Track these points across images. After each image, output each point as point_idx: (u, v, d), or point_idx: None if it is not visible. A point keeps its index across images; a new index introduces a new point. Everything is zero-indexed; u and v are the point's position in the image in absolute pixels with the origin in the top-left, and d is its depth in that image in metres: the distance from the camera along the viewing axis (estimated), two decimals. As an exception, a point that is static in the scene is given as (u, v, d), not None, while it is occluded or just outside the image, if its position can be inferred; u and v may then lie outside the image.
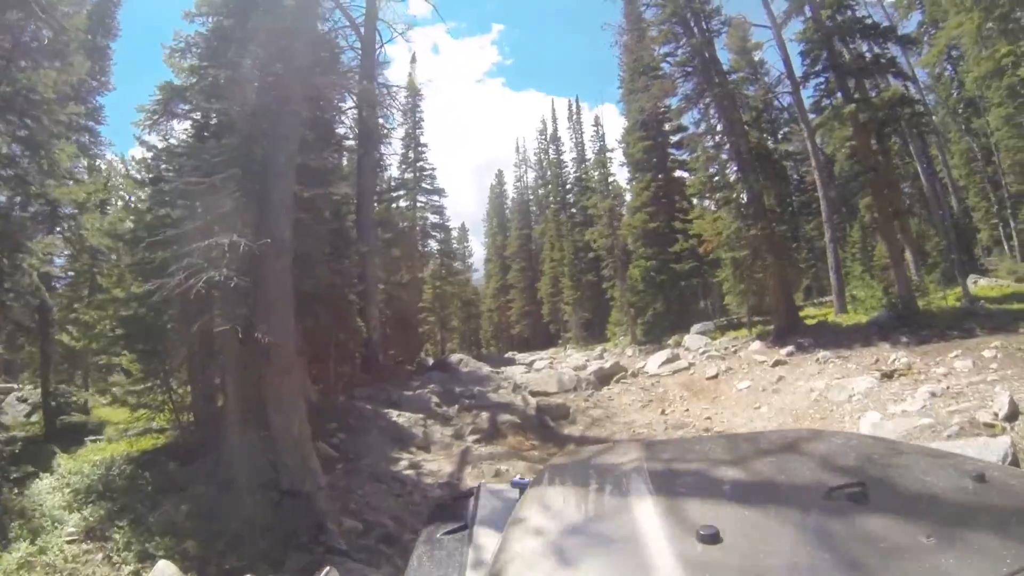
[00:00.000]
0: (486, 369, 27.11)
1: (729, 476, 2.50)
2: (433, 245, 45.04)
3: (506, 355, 47.59)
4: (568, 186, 61.28)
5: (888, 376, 16.16)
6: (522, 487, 3.17)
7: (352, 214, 25.32)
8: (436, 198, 44.49)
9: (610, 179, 53.34)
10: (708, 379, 21.53)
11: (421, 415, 17.25)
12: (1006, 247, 34.18)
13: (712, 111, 26.90)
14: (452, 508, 3.80)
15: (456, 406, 19.01)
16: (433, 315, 41.39)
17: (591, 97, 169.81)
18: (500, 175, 79.50)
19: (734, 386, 20.04)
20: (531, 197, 73.48)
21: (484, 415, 17.79)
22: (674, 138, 41.26)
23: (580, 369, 26.24)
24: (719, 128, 26.84)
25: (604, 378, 23.56)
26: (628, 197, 45.68)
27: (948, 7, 25.49)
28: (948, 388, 13.83)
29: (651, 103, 34.09)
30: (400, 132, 41.97)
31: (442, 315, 44.06)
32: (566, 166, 62.97)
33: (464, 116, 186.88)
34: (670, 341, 30.79)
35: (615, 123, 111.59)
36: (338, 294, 18.12)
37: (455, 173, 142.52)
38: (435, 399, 19.49)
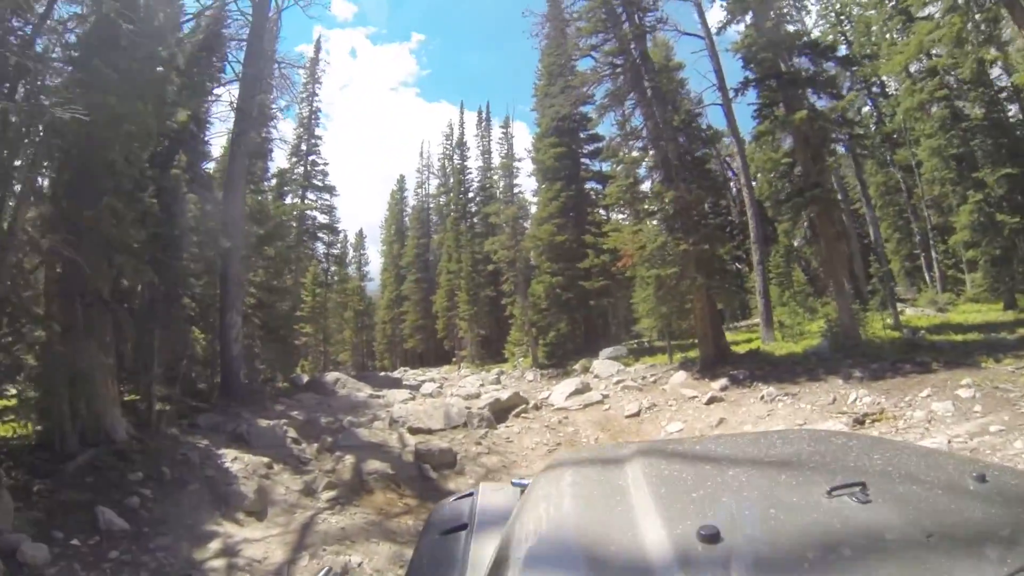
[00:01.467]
0: (364, 393, 23.98)
1: (729, 476, 2.45)
2: (319, 248, 40.54)
3: (395, 372, 45.01)
4: (471, 194, 57.91)
5: (859, 422, 13.84)
6: (522, 487, 3.18)
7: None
8: (327, 196, 41.03)
9: (516, 190, 50.34)
10: (628, 417, 18.24)
11: (267, 458, 13.26)
12: (927, 277, 33.77)
13: (639, 111, 24.11)
14: (452, 508, 3.67)
15: (317, 444, 15.21)
16: (313, 325, 36.52)
17: (501, 110, 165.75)
18: (402, 180, 76.61)
19: (662, 427, 16.82)
20: (431, 205, 70.57)
21: (348, 460, 13.85)
22: (588, 148, 39.62)
23: (472, 398, 22.26)
24: (645, 132, 23.98)
25: (501, 412, 19.39)
26: (534, 209, 42.82)
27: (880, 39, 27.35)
28: (950, 443, 11.21)
29: (570, 101, 31.15)
30: (291, 124, 38.13)
31: (323, 325, 39.15)
32: (470, 173, 59.74)
33: (375, 124, 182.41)
34: (576, 366, 28.29)
35: (525, 139, 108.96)
36: (168, 297, 14.08)
37: (359, 182, 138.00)
38: (293, 433, 15.74)
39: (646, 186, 25.35)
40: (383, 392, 24.91)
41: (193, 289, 16.01)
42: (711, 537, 1.74)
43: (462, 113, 63.56)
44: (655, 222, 23.51)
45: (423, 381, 32.77)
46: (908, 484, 2.19)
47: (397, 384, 30.49)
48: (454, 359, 50.56)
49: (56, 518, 9.08)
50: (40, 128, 10.75)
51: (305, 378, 27.40)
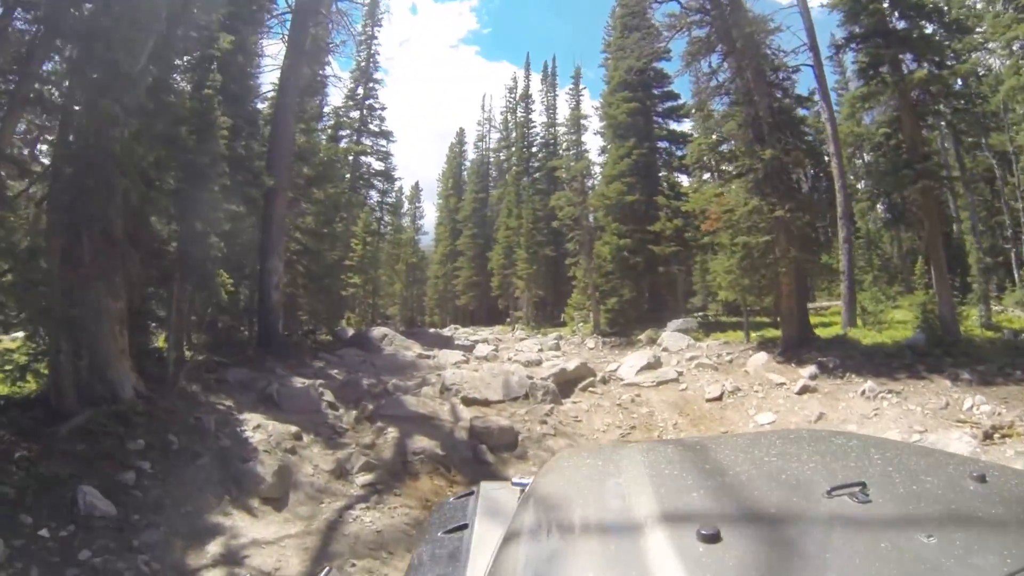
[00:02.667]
0: (413, 352, 21.94)
1: (729, 476, 2.41)
2: (373, 196, 38.46)
3: (446, 329, 43.10)
4: (534, 149, 55.46)
5: (988, 436, 11.85)
6: (522, 487, 3.15)
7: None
8: (383, 143, 38.73)
9: (583, 147, 47.32)
10: (709, 401, 16.08)
11: (297, 426, 11.47)
12: (1015, 275, 30.72)
13: (727, 64, 21.64)
14: (453, 507, 3.62)
15: (355, 411, 13.40)
16: (362, 276, 34.39)
17: (567, 68, 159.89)
18: (461, 133, 72.99)
19: (751, 418, 14.79)
20: (491, 160, 67.98)
21: (391, 435, 11.93)
22: (662, 106, 37.08)
23: (533, 365, 20.21)
24: (734, 86, 21.47)
25: (566, 384, 17.25)
26: (597, 170, 40.72)
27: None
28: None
29: (647, 52, 28.41)
30: (350, 64, 35.91)
31: (373, 277, 37.22)
32: (534, 127, 57.15)
33: (433, 81, 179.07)
34: (642, 337, 26.25)
35: (587, 102, 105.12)
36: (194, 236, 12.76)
37: (415, 137, 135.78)
38: (329, 396, 14.01)
39: (727, 147, 23.05)
40: (433, 352, 22.82)
41: (222, 227, 13.83)
42: (711, 537, 1.73)
43: (527, 66, 60.67)
44: (742, 184, 21.11)
45: (476, 341, 30.66)
46: (908, 484, 2.18)
47: (448, 343, 28.24)
48: (508, 319, 48.44)
49: (28, 496, 7.32)
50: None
51: (350, 332, 25.47)
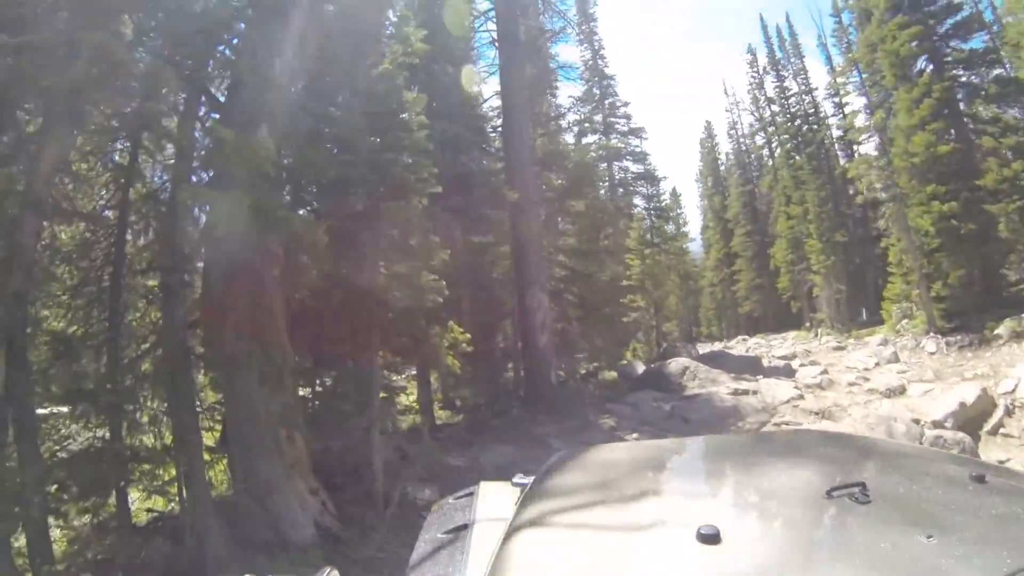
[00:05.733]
0: (725, 388, 17.47)
1: (729, 476, 2.59)
2: (638, 203, 33.75)
3: (732, 342, 40.55)
4: (797, 122, 47.42)
5: None
6: (522, 486, 3.01)
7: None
8: (636, 141, 34.08)
9: (845, 105, 39.78)
10: None
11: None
12: None
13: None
14: (452, 507, 3.43)
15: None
16: (643, 297, 29.62)
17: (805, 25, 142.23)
18: (709, 127, 65.83)
19: None
20: (747, 146, 60.44)
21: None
22: (942, 27, 28.53)
23: (896, 395, 15.40)
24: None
25: (967, 425, 12.37)
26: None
27: None
28: None
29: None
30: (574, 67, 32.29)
31: (655, 296, 32.32)
32: (792, 94, 48.88)
33: (651, 74, 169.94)
34: (1000, 330, 20.07)
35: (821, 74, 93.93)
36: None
37: (656, 138, 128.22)
38: None
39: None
40: (751, 385, 18.09)
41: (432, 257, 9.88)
42: (711, 537, 1.72)
43: (764, 28, 52.40)
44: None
45: (786, 360, 25.39)
46: (908, 484, 2.22)
47: (757, 367, 22.98)
48: (807, 324, 41.93)
49: None
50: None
51: (639, 367, 20.83)
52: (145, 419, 7.85)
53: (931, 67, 27.96)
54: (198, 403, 8.09)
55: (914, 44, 28.06)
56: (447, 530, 2.97)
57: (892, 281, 28.87)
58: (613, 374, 20.61)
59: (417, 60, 13.25)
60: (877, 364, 20.60)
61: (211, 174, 8.02)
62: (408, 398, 14.12)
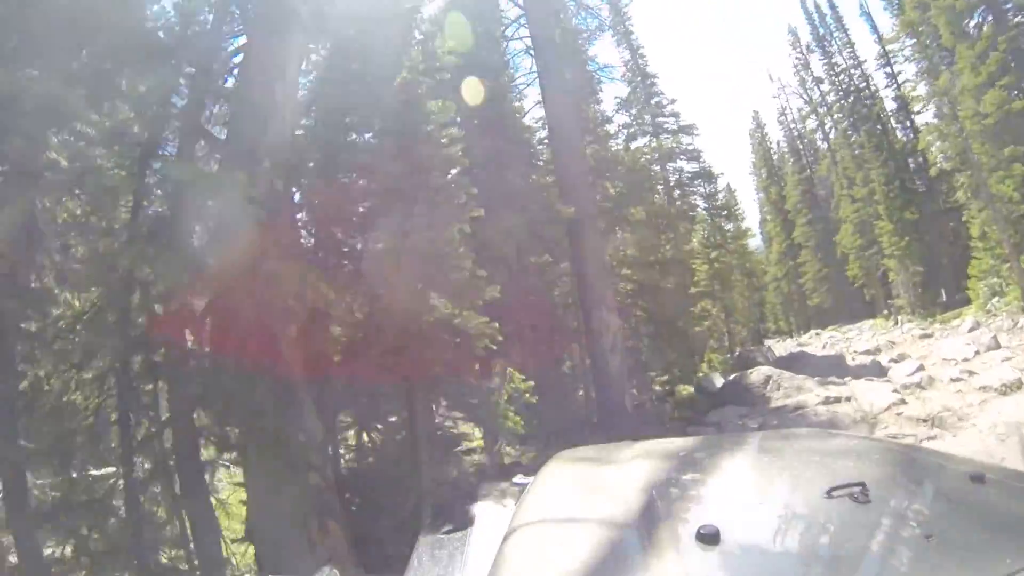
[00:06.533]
0: (813, 393, 15.96)
1: (729, 476, 2.59)
2: (698, 204, 32.08)
3: (805, 337, 40.60)
4: (850, 99, 44.58)
5: None
6: (522, 487, 3.08)
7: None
8: (688, 140, 31.95)
9: (898, 75, 38.13)
10: None
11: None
12: None
13: None
14: (452, 508, 3.75)
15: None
16: (712, 301, 27.92)
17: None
18: (757, 116, 63.85)
19: None
20: (800, 130, 57.62)
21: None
22: None
23: (1013, 390, 13.01)
24: None
25: None
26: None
27: None
28: None
29: None
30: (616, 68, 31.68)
31: (724, 299, 30.37)
32: (840, 69, 45.80)
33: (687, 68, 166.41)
34: None
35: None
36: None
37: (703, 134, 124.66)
38: None
39: None
40: (841, 390, 16.16)
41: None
42: (711, 537, 1.71)
43: (803, 3, 49.96)
44: None
45: (871, 354, 23.44)
46: (908, 484, 2.25)
47: (842, 366, 20.82)
48: (884, 311, 39.23)
49: None
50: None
51: (717, 380, 19.09)
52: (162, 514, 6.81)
53: (989, 18, 26.05)
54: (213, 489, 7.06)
55: (974, -2, 26.37)
56: (447, 530, 3.00)
57: (977, 256, 26.55)
58: (690, 389, 19.06)
59: (447, 75, 12.38)
60: (977, 353, 18.10)
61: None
62: (475, 437, 13.08)
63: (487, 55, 15.31)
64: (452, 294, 8.11)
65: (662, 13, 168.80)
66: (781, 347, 34.92)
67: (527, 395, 9.89)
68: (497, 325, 8.37)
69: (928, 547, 1.65)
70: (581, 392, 16.62)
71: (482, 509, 3.06)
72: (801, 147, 57.08)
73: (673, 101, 32.23)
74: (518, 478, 3.34)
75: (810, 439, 3.12)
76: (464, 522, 2.97)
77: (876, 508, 1.84)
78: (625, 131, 30.18)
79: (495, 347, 8.93)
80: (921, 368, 17.37)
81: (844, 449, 2.69)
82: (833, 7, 47.15)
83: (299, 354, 6.78)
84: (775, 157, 61.26)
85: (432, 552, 2.85)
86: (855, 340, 30.47)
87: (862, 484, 1.90)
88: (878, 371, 18.97)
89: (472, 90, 14.86)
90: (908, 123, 39.28)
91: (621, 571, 1.81)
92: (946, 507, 1.96)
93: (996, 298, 24.59)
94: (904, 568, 1.62)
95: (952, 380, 15.46)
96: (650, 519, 1.99)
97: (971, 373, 15.64)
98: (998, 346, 18.45)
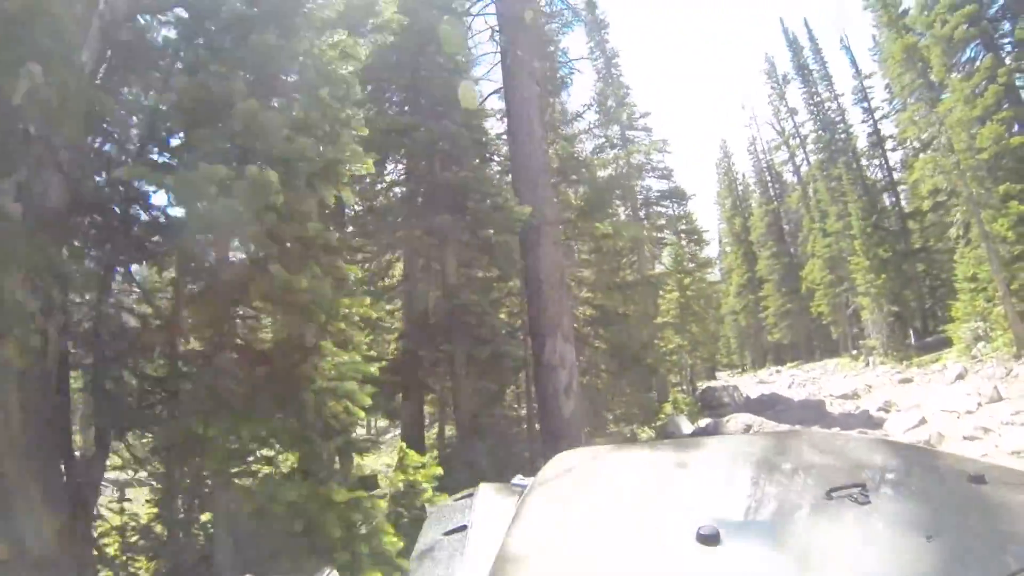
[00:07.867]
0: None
1: (729, 476, 2.53)
2: (665, 226, 30.78)
3: (765, 372, 40.28)
4: (827, 131, 44.22)
5: None
6: (522, 488, 2.99)
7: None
8: (658, 156, 30.40)
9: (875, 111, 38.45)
10: None
11: None
12: None
13: None
14: (452, 509, 3.49)
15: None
16: (678, 334, 25.53)
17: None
18: (724, 145, 63.43)
19: None
20: (768, 162, 57.17)
21: None
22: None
23: None
24: None
25: None
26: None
27: None
28: None
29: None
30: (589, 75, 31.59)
31: (690, 330, 28.33)
32: (819, 100, 45.36)
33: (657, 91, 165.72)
34: None
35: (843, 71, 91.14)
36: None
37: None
38: None
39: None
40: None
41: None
42: (711, 537, 1.73)
43: (785, 32, 48.98)
44: None
45: (850, 398, 22.23)
46: (908, 485, 2.29)
47: (823, 413, 19.32)
48: (855, 351, 37.92)
49: None
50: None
51: (685, 425, 16.78)
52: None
53: (984, 52, 25.92)
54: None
55: (967, 27, 25.77)
56: (446, 532, 3.00)
57: (960, 298, 25.59)
58: (651, 434, 16.64)
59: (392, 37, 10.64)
60: (980, 405, 16.56)
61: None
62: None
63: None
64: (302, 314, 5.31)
65: (638, 38, 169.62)
66: (740, 383, 33.61)
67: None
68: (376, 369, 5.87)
69: (928, 547, 1.66)
70: (524, 430, 14.11)
71: (481, 510, 2.94)
72: (769, 178, 56.71)
73: (646, 115, 30.93)
74: (518, 478, 3.22)
75: (810, 440, 3.08)
76: (464, 523, 2.92)
77: (876, 508, 1.87)
78: (592, 136, 28.04)
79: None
80: (923, 421, 15.85)
81: (844, 450, 2.62)
82: (812, 39, 46.65)
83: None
84: (740, 188, 61.01)
85: (431, 554, 2.88)
86: (824, 380, 29.59)
87: (862, 485, 1.95)
88: (868, 421, 17.62)
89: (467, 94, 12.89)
90: (881, 161, 39.17)
91: (621, 572, 1.73)
92: (946, 508, 1.96)
93: (981, 343, 23.40)
94: (904, 568, 1.61)
95: (966, 439, 13.84)
96: (650, 520, 1.98)
97: (986, 431, 14.15)
98: (1000, 397, 17.01)
